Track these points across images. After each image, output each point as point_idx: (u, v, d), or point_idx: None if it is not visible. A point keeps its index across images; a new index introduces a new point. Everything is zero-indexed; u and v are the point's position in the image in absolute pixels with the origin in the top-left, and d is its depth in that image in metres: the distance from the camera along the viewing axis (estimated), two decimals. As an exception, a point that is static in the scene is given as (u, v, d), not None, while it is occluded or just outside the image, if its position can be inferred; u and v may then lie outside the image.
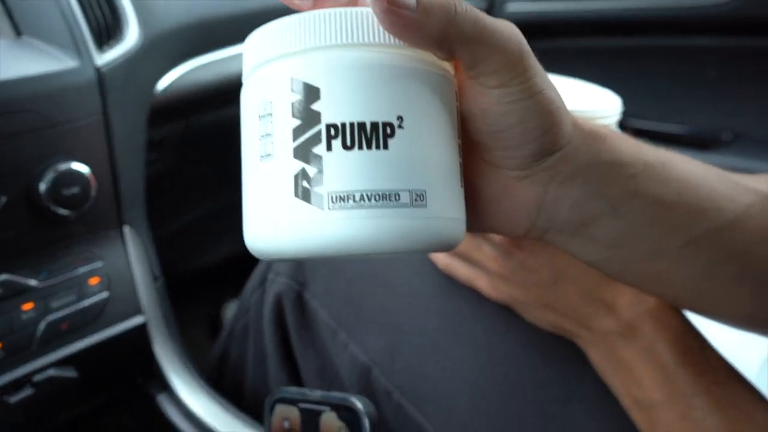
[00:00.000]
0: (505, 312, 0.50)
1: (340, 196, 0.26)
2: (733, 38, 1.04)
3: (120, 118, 0.61)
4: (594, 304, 0.43)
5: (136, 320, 0.61)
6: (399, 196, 0.26)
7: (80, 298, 0.57)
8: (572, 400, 0.47)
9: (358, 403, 0.43)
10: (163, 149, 0.79)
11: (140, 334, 0.61)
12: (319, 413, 0.44)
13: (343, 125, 0.26)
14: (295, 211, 0.26)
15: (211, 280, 1.16)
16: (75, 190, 0.54)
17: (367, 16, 0.27)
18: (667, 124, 1.13)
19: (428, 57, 0.28)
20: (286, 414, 0.46)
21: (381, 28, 0.27)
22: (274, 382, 0.61)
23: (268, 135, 0.27)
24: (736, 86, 1.11)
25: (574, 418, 0.46)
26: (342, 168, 0.26)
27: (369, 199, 0.26)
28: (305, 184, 0.26)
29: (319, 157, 0.26)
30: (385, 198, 0.26)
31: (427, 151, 0.27)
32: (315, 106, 0.26)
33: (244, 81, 0.30)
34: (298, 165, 0.26)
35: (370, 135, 0.26)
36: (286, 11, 0.30)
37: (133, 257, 0.62)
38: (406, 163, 0.26)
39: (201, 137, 0.85)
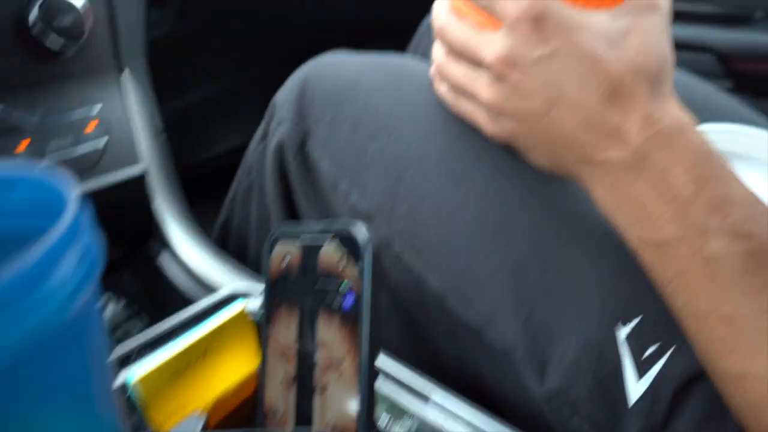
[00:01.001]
0: (509, 156, 0.47)
1: None
2: None
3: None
4: (596, 131, 0.38)
5: (135, 169, 0.58)
6: None
7: (77, 142, 0.55)
8: (573, 243, 0.44)
9: (359, 230, 0.40)
10: (166, 8, 0.74)
11: (139, 185, 0.59)
12: (319, 246, 0.42)
13: None
14: None
15: (222, 176, 1.13)
16: (67, 21, 0.51)
17: None
18: (700, 4, 1.08)
19: None
20: (286, 250, 0.44)
21: None
22: (278, 239, 0.59)
23: None
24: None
25: (575, 261, 0.43)
26: None
27: None
28: None
29: None
30: None
31: None
32: None
33: None
34: None
35: None
36: None
37: (133, 104, 0.59)
38: None
39: (205, 1, 0.80)
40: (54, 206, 0.24)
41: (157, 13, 0.72)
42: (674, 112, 0.37)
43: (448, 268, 0.47)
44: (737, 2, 0.99)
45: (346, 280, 0.39)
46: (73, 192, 0.24)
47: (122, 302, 0.67)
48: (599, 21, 0.38)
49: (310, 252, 0.42)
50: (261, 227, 0.62)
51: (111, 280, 0.67)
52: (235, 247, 0.67)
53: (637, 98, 0.37)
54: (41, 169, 0.25)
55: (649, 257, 0.38)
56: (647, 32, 0.38)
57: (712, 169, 0.36)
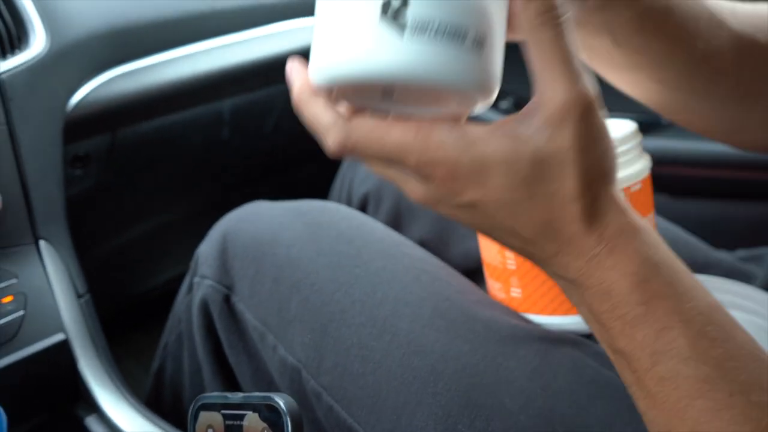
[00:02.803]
0: (430, 301, 0.48)
1: (420, 26, 0.29)
2: None
3: (27, 130, 0.58)
4: (534, 256, 0.35)
5: (56, 338, 0.58)
6: (466, 34, 0.29)
7: (-7, 318, 0.54)
8: (500, 390, 0.45)
9: (280, 401, 0.40)
10: (90, 164, 0.76)
11: (62, 352, 0.58)
12: (242, 416, 0.42)
13: None
14: (376, 38, 0.29)
15: (152, 310, 1.11)
16: (-23, 203, 0.52)
17: None
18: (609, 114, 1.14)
19: None
20: (209, 421, 0.44)
21: None
22: (210, 390, 0.59)
23: None
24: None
25: (503, 408, 0.44)
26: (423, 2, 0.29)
27: (443, 33, 0.29)
28: (390, 13, 0.29)
29: None
30: (455, 35, 0.29)
31: (493, 5, 0.31)
32: None
33: None
34: None
35: None
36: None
37: (51, 273, 0.59)
38: (476, 6, 0.30)
39: (131, 152, 0.82)
40: None
41: (81, 171, 0.74)
42: (616, 222, 0.32)
43: (379, 422, 0.47)
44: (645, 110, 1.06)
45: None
46: None
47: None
48: (509, 157, 0.31)
49: (233, 421, 0.42)
50: (193, 379, 0.61)
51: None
52: (170, 396, 0.66)
53: (568, 231, 0.32)
54: None
55: (611, 356, 0.35)
56: (561, 154, 0.31)
57: (660, 285, 0.32)
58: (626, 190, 0.49)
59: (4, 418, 0.28)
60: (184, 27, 0.81)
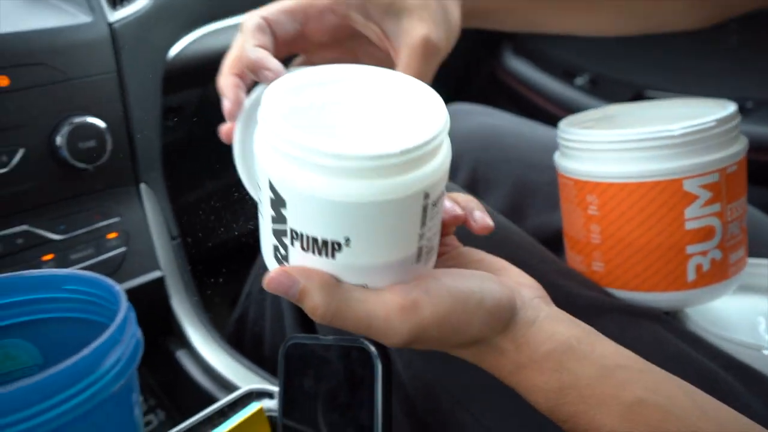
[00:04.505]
0: None
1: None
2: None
3: (134, 78, 0.61)
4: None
5: (153, 275, 0.61)
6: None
7: (99, 252, 0.58)
8: None
9: (370, 345, 0.43)
10: (181, 116, 0.79)
11: (158, 289, 0.62)
12: (331, 356, 0.44)
13: (302, 234, 0.31)
14: (272, 265, 0.34)
15: (232, 260, 1.16)
16: (91, 143, 0.55)
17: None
18: (688, 96, 1.11)
19: (385, 180, 0.30)
20: (299, 357, 0.46)
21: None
22: (291, 337, 0.62)
23: (261, 202, 0.33)
24: (758, 54, 1.08)
25: None
26: (299, 261, 0.33)
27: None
28: (278, 255, 0.33)
29: (285, 245, 0.32)
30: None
31: (370, 260, 0.32)
32: (283, 211, 0.31)
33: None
34: (274, 241, 0.33)
35: (321, 246, 0.31)
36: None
37: (150, 215, 0.63)
38: (349, 270, 0.32)
39: (217, 106, 0.85)
40: (99, 301, 0.34)
41: (173, 121, 0.77)
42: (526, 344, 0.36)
43: (458, 379, 0.48)
44: (726, 93, 1.03)
45: (358, 389, 0.41)
46: (123, 294, 0.32)
47: (140, 396, 0.68)
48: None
49: (323, 360, 0.44)
50: (274, 326, 0.64)
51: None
52: (251, 341, 0.70)
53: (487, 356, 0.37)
54: (88, 273, 0.34)
55: None
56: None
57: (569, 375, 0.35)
58: (722, 170, 0.49)
59: (142, 341, 0.31)
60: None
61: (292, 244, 0.32)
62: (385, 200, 0.30)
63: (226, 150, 1.00)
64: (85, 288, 0.33)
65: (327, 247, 0.31)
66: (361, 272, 0.32)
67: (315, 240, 0.31)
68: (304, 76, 0.34)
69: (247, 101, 0.39)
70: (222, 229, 1.07)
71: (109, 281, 0.32)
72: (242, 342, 0.69)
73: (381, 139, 0.32)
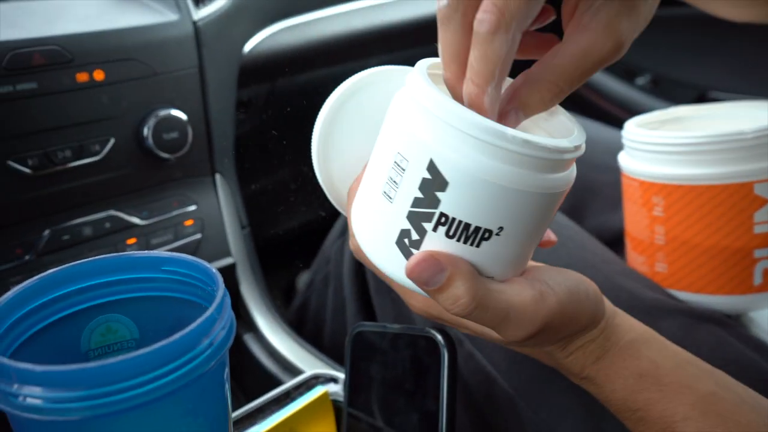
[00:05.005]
0: (576, 266, 0.50)
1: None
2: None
3: (213, 72, 0.64)
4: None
5: (225, 261, 0.65)
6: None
7: (176, 238, 0.62)
8: None
9: (437, 335, 0.44)
10: (251, 110, 0.82)
11: (229, 275, 0.65)
12: (397, 345, 0.46)
13: (453, 219, 0.30)
14: (389, 251, 0.32)
15: (287, 249, 1.20)
16: (174, 134, 0.59)
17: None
18: (752, 97, 1.08)
19: (550, 175, 0.30)
20: (366, 344, 0.48)
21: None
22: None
23: (394, 183, 0.31)
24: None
25: None
26: (436, 248, 0.31)
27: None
28: (405, 241, 0.31)
29: (424, 230, 0.30)
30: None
31: (513, 252, 0.32)
32: (439, 194, 0.29)
33: (404, 89, 0.31)
34: (407, 225, 0.31)
35: (471, 233, 0.30)
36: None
37: (223, 203, 0.66)
38: (489, 260, 0.31)
39: (285, 101, 0.88)
40: (196, 282, 0.36)
41: (243, 114, 0.80)
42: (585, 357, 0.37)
43: (518, 373, 0.50)
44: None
45: (424, 377, 0.43)
46: (220, 277, 0.34)
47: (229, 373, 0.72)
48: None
49: (389, 348, 0.46)
50: (336, 314, 0.67)
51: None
52: (311, 330, 0.72)
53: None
54: (182, 256, 0.37)
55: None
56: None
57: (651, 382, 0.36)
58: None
59: (235, 322, 0.34)
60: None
61: (435, 229, 0.30)
62: (548, 192, 0.30)
63: (292, 143, 1.03)
64: (182, 269, 0.36)
65: (477, 235, 0.30)
66: (498, 263, 0.32)
67: (467, 226, 0.30)
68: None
69: (331, 99, 0.39)
70: (284, 219, 1.10)
71: (206, 264, 0.35)
72: (303, 330, 0.72)
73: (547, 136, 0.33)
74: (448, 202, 0.29)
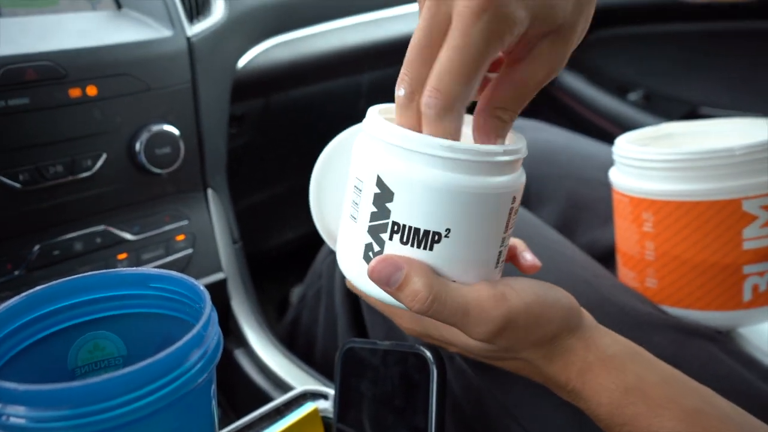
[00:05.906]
0: (567, 281, 0.51)
1: None
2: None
3: (206, 88, 0.65)
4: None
5: (217, 276, 0.64)
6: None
7: (168, 253, 0.61)
8: None
9: (426, 352, 0.44)
10: (244, 124, 0.83)
11: (220, 290, 0.65)
12: (386, 362, 0.46)
13: (404, 225, 0.33)
14: (359, 267, 0.35)
15: (281, 263, 1.20)
16: (166, 149, 0.59)
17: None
18: (743, 114, 1.09)
19: (486, 178, 0.33)
20: (356, 362, 0.48)
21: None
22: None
23: (356, 204, 0.35)
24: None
25: None
26: (395, 253, 0.34)
27: None
28: (370, 254, 0.35)
29: (382, 241, 0.34)
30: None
31: (464, 254, 0.34)
32: (388, 205, 0.33)
33: (363, 128, 0.35)
34: (369, 239, 0.34)
35: (422, 237, 0.33)
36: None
37: (215, 219, 0.66)
38: (444, 263, 0.34)
39: (279, 116, 0.89)
40: (183, 299, 0.36)
41: (236, 129, 0.81)
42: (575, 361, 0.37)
43: (511, 391, 0.49)
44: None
45: (413, 394, 0.43)
46: (207, 294, 0.34)
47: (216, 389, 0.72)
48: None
49: (379, 365, 0.46)
50: (327, 330, 0.66)
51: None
52: (303, 345, 0.72)
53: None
54: (170, 273, 0.37)
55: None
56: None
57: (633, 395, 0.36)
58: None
59: (222, 339, 0.34)
60: (336, 1, 0.86)
61: (391, 238, 0.33)
62: (486, 193, 0.33)
63: (284, 159, 1.03)
64: (170, 286, 0.36)
65: (427, 238, 0.33)
66: (454, 266, 0.34)
67: (417, 231, 0.33)
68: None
69: (328, 147, 0.43)
70: (276, 235, 1.10)
71: (194, 281, 0.35)
72: (294, 345, 0.72)
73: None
74: (397, 211, 0.33)
